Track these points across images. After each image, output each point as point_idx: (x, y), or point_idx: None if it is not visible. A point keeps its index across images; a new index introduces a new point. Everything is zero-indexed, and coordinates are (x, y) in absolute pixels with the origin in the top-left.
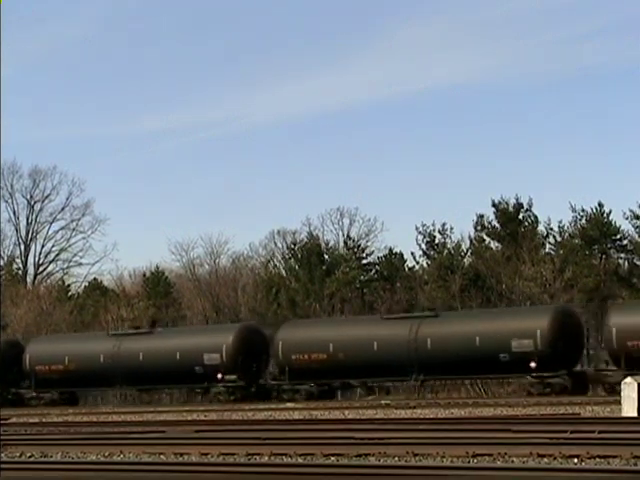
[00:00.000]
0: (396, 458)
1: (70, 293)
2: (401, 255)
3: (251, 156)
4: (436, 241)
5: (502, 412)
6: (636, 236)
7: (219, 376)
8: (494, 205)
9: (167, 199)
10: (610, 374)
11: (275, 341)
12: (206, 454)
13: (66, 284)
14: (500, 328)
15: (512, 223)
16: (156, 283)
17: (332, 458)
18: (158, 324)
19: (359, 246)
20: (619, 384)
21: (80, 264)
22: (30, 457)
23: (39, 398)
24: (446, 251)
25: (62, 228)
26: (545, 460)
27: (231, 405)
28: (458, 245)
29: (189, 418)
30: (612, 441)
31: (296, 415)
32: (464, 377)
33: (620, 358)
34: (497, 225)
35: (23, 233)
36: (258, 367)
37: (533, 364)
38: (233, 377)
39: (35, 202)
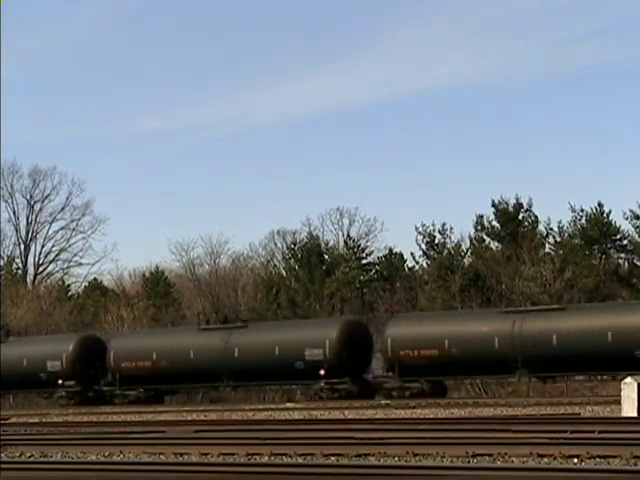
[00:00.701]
0: (396, 458)
1: (70, 293)
2: (401, 255)
3: (251, 156)
4: (436, 241)
5: (502, 412)
6: (636, 236)
7: (59, 382)
8: (494, 205)
9: (167, 199)
10: (386, 381)
11: (108, 350)
12: (206, 454)
13: (66, 284)
14: (296, 338)
15: (512, 223)
16: (156, 283)
17: (332, 458)
18: (12, 333)
19: (359, 246)
20: (394, 390)
21: (80, 264)
22: (30, 457)
23: None
24: (446, 251)
25: (62, 228)
26: (545, 460)
27: (231, 405)
28: (458, 245)
29: (189, 418)
30: (612, 441)
31: (296, 415)
32: (267, 383)
33: (395, 366)
34: (497, 225)
35: (23, 233)
36: (95, 374)
37: (322, 371)
38: (71, 383)
39: (35, 202)
